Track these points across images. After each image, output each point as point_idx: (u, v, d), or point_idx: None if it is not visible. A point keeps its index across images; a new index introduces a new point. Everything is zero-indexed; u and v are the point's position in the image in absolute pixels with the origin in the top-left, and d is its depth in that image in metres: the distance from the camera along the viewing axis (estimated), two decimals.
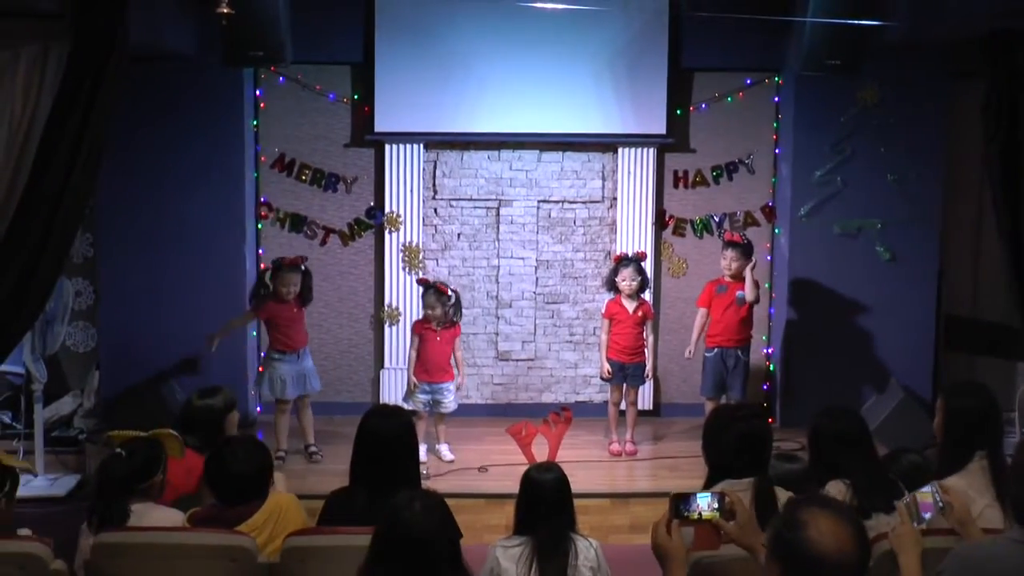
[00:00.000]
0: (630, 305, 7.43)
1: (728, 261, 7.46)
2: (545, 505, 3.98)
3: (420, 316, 7.39)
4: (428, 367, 7.20)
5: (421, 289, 7.34)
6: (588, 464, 7.26)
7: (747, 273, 7.35)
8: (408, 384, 7.29)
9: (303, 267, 7.27)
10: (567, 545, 3.88)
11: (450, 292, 7.25)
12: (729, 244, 7.51)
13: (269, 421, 7.48)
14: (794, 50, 7.41)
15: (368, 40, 7.94)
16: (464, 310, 8.14)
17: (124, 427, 4.55)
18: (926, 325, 8.12)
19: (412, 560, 3.06)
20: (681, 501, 3.11)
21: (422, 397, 7.21)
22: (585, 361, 8.39)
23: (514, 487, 4.16)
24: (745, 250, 7.45)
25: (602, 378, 7.63)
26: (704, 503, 3.11)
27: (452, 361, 7.29)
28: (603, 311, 7.62)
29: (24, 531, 4.08)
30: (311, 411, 7.39)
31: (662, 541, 3.07)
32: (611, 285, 7.50)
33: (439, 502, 3.24)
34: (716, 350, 7.49)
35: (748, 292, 7.34)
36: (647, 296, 7.75)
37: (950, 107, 8.01)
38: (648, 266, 7.88)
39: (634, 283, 7.38)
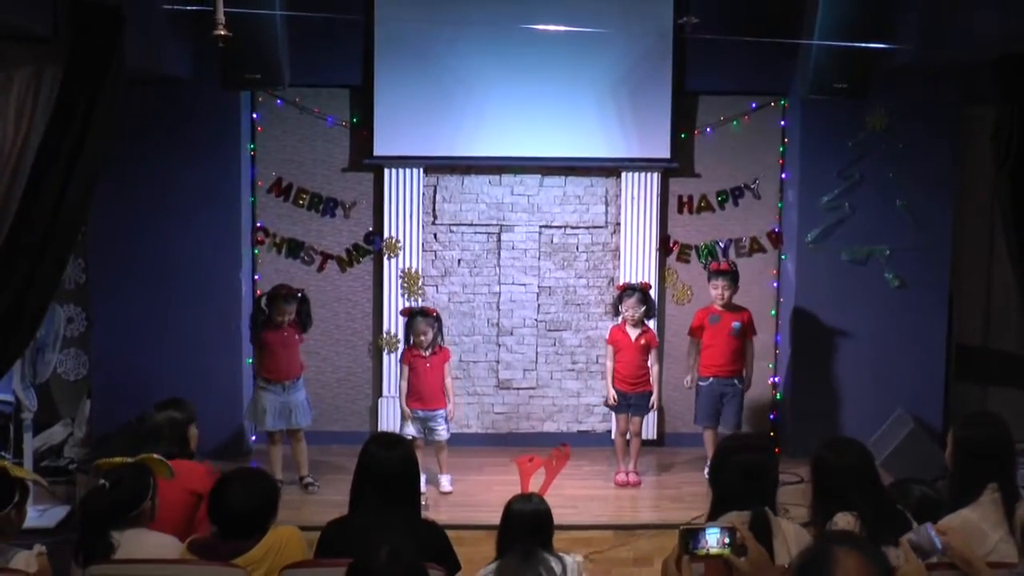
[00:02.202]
0: (633, 333, 7.44)
1: (720, 291, 7.49)
2: (520, 534, 4.16)
3: (407, 346, 7.37)
4: (422, 395, 7.20)
5: (404, 319, 7.37)
6: (591, 496, 7.23)
7: (750, 357, 7.59)
8: (401, 414, 7.29)
9: (301, 294, 7.30)
10: (535, 562, 4.04)
11: (435, 313, 7.31)
12: (718, 274, 7.56)
13: (265, 450, 7.45)
14: (801, 73, 7.44)
15: (367, 63, 7.98)
16: (464, 337, 8.17)
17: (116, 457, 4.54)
18: (936, 354, 8.11)
19: None
20: (690, 536, 3.09)
21: (415, 425, 7.20)
22: (588, 389, 8.39)
23: None
24: (734, 277, 7.51)
25: (607, 405, 7.63)
26: (714, 539, 3.09)
27: (444, 388, 7.30)
28: (607, 337, 7.64)
29: (39, 547, 4.08)
30: (305, 443, 7.36)
31: None
32: (616, 311, 7.54)
33: (412, 549, 3.27)
34: (710, 380, 7.54)
35: (746, 380, 7.59)
36: (652, 325, 7.76)
37: (960, 132, 8.03)
38: (652, 294, 7.88)
39: (637, 312, 7.39)
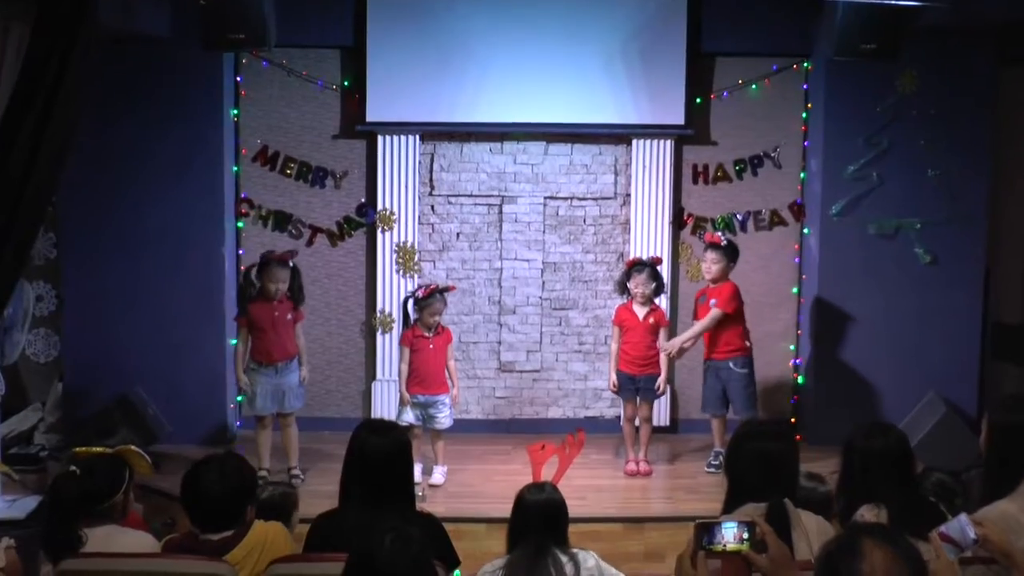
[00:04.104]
0: (641, 312, 7.41)
1: (708, 264, 7.47)
2: (533, 526, 4.13)
3: (408, 326, 7.25)
4: (424, 379, 7.16)
5: (413, 298, 7.22)
6: (599, 486, 7.23)
7: (688, 332, 7.51)
8: (400, 398, 7.26)
9: (292, 264, 7.22)
10: (547, 560, 4.00)
11: (454, 289, 7.34)
12: (710, 246, 7.53)
13: (251, 436, 7.44)
14: (826, 33, 7.40)
15: (359, 22, 7.94)
16: (464, 316, 8.15)
17: (89, 444, 4.54)
18: (971, 333, 8.10)
19: None
20: (706, 531, 3.06)
21: (414, 411, 7.15)
22: (596, 373, 8.38)
23: None
24: (727, 252, 7.46)
25: (611, 391, 7.62)
26: (731, 533, 3.06)
27: (446, 371, 7.28)
28: (613, 317, 7.62)
29: (7, 540, 4.07)
30: (295, 429, 7.31)
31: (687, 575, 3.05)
32: (623, 289, 7.50)
33: (419, 536, 3.22)
34: (707, 362, 7.58)
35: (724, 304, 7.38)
36: (662, 303, 7.74)
37: (997, 95, 7.99)
38: (665, 269, 7.86)
39: (647, 289, 7.37)
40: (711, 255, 7.47)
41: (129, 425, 7.30)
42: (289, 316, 7.20)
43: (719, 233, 7.98)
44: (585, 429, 7.23)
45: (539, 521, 4.15)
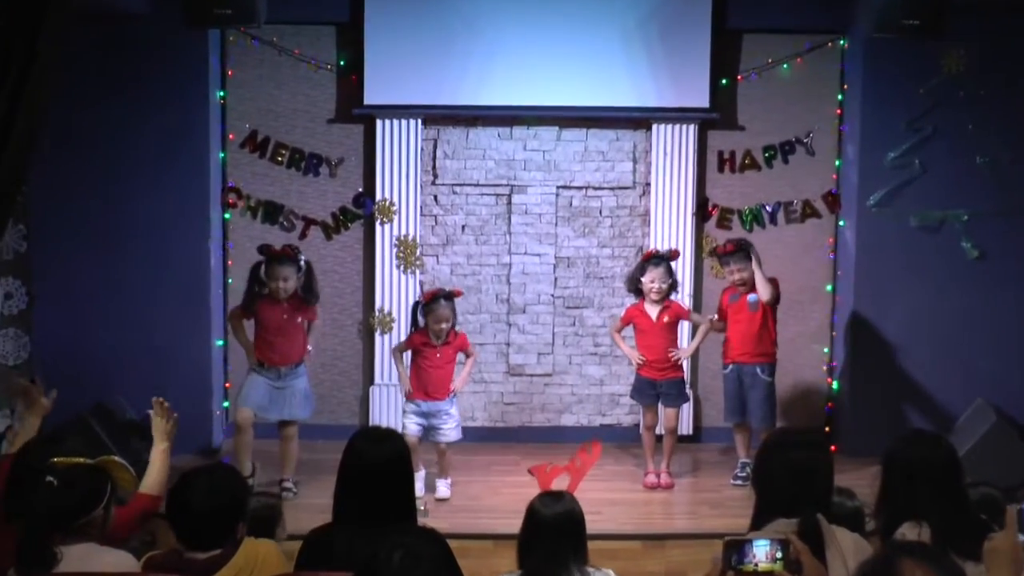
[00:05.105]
0: (653, 311, 7.38)
1: (735, 274, 7.43)
2: (547, 541, 4.03)
3: (416, 329, 7.19)
4: (428, 387, 7.12)
5: (420, 305, 7.14)
6: (616, 499, 7.22)
7: (755, 270, 7.36)
8: (404, 393, 7.18)
9: (300, 260, 7.16)
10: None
11: (460, 294, 7.27)
12: (724, 256, 7.51)
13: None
14: (864, 7, 7.39)
15: None
16: (470, 316, 8.14)
17: (42, 455, 4.53)
18: (1022, 335, 8.08)
19: None
20: (736, 549, 3.07)
21: (415, 420, 7.12)
22: (612, 377, 8.37)
23: None
24: (743, 254, 7.43)
25: (637, 367, 7.51)
26: (763, 552, 3.06)
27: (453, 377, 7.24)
28: (621, 316, 7.59)
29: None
30: (296, 443, 7.27)
31: None
32: (635, 285, 7.45)
33: (431, 552, 3.20)
34: (732, 367, 7.55)
35: (761, 291, 7.35)
36: (685, 302, 7.72)
37: None
38: (686, 265, 7.85)
39: (663, 286, 7.34)
40: (733, 266, 7.43)
41: (99, 434, 7.27)
42: (299, 318, 7.17)
43: (722, 242, 7.83)
44: (601, 439, 7.20)
45: (554, 536, 4.05)
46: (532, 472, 6.85)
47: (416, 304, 7.24)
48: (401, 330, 7.99)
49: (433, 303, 7.05)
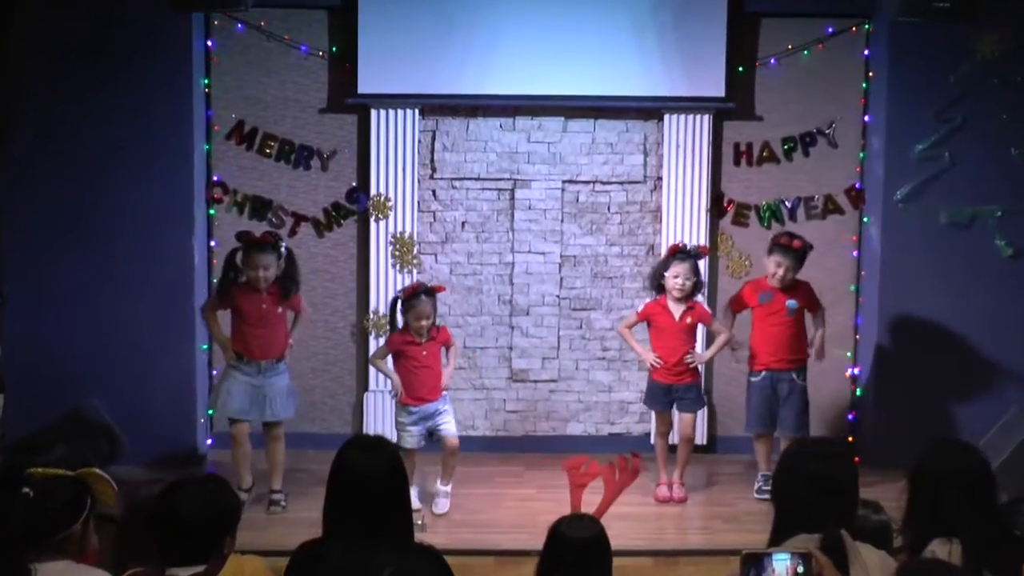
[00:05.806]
0: (676, 310, 7.38)
1: (781, 270, 7.39)
2: (568, 567, 4.04)
3: (396, 330, 7.23)
4: (418, 389, 7.15)
5: (399, 301, 7.18)
6: (626, 514, 7.18)
7: (817, 333, 7.59)
8: (397, 413, 7.22)
9: (281, 247, 7.18)
10: None
11: (443, 291, 7.35)
12: (779, 248, 7.43)
13: (221, 459, 7.43)
14: None
15: None
16: (470, 318, 8.13)
17: (34, 464, 4.51)
18: None
19: None
20: (754, 563, 3.09)
21: (413, 430, 7.13)
22: (621, 382, 8.37)
23: (532, 541, 4.17)
24: (800, 256, 7.41)
25: (652, 370, 7.51)
26: (783, 566, 3.09)
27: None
28: (638, 311, 7.57)
29: None
30: (282, 444, 7.29)
31: None
32: (657, 280, 7.44)
33: (426, 570, 3.18)
34: (764, 374, 7.51)
35: (810, 306, 7.52)
36: (703, 300, 7.71)
37: None
38: (701, 264, 7.83)
39: (688, 283, 7.33)
40: (782, 259, 7.39)
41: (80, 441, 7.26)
42: (280, 309, 7.19)
43: (791, 235, 7.69)
44: (608, 448, 7.21)
45: (577, 562, 4.07)
46: (565, 468, 6.78)
47: (395, 300, 7.25)
48: None
49: (414, 299, 7.10)
